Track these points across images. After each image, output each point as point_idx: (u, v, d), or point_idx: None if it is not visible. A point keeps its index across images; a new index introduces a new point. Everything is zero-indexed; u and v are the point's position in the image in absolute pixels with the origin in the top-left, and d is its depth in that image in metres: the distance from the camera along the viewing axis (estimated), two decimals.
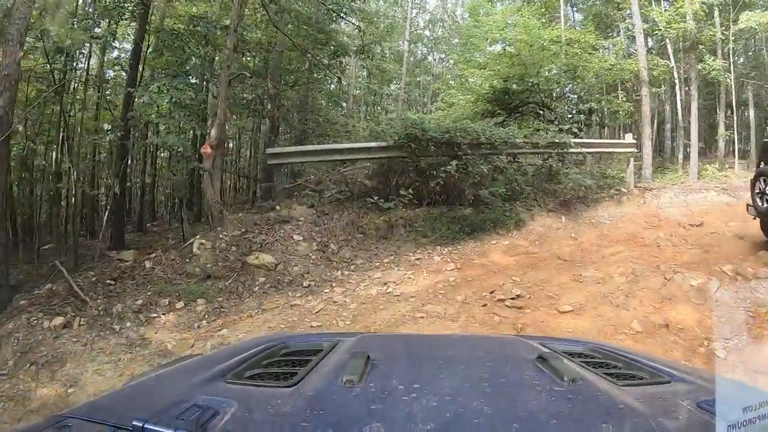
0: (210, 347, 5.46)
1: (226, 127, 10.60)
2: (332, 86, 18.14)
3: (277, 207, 9.36)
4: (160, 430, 0.91)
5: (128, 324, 6.11)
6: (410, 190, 9.09)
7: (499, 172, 10.18)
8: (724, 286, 6.17)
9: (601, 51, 14.55)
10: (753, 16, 14.01)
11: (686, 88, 16.10)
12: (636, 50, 14.75)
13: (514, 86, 13.73)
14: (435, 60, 28.22)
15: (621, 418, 1.06)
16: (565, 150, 10.68)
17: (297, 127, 15.74)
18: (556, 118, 12.44)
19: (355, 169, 11.00)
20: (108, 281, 7.16)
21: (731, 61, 15.62)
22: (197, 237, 8.12)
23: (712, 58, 15.15)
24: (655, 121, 16.89)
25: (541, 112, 13.38)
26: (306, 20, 12.41)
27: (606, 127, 16.80)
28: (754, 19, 13.85)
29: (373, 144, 9.91)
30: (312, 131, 15.52)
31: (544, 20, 15.32)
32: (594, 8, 18.06)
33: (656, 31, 15.26)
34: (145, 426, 0.91)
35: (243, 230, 8.25)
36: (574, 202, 10.60)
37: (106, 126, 13.49)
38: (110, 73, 14.63)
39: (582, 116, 13.47)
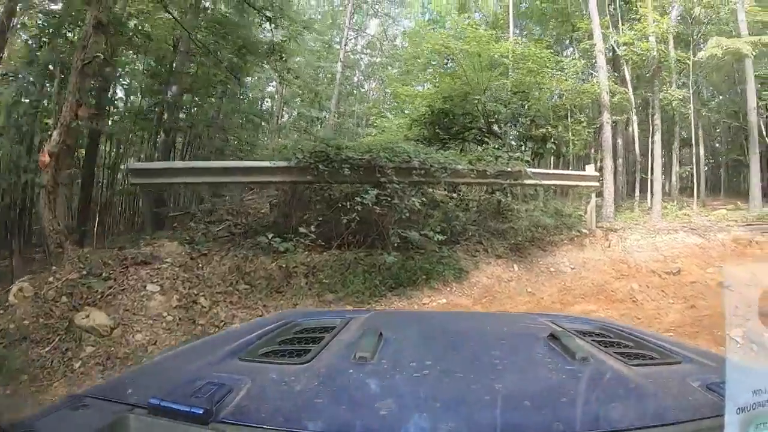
0: None
1: (84, 130, 8.06)
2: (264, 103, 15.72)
3: (142, 242, 7.16)
4: (176, 407, 0.93)
5: None
6: (312, 228, 6.91)
7: (434, 206, 8.09)
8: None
9: (557, 71, 12.74)
10: (722, 40, 12.92)
11: (650, 117, 14.75)
12: (596, 72, 13.09)
13: (456, 108, 11.74)
14: (372, 88, 26.46)
15: (631, 398, 1.09)
16: (518, 181, 8.66)
17: (205, 144, 13.55)
18: (503, 145, 10.46)
19: (263, 197, 9.11)
20: None
21: (692, 91, 14.39)
22: (24, 279, 5.94)
23: (673, 87, 14.04)
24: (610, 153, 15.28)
25: (486, 138, 11.40)
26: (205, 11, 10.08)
27: (562, 158, 15.01)
28: (725, 44, 12.76)
29: (266, 164, 7.70)
30: (221, 149, 13.29)
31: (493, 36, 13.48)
32: (549, 29, 16.38)
33: (622, 54, 13.82)
34: (161, 403, 0.94)
35: (84, 272, 5.98)
36: (527, 246, 8.69)
37: None
38: None
39: (534, 144, 11.59)
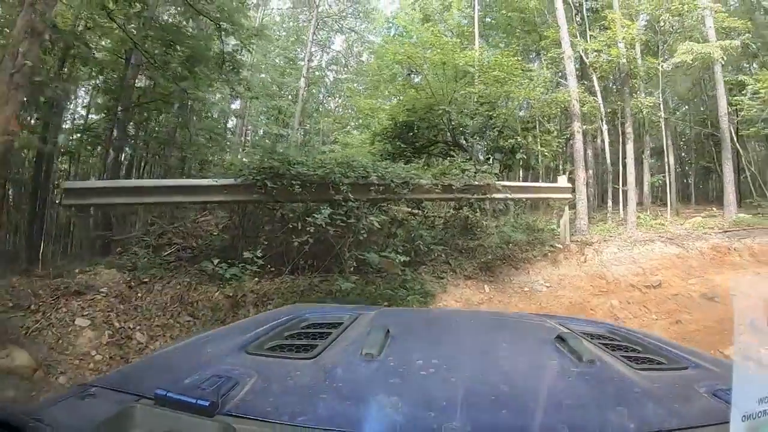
0: None
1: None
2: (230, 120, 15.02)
3: (78, 270, 6.33)
4: (182, 398, 0.93)
5: None
6: (259, 252, 6.24)
7: (396, 225, 7.45)
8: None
9: (526, 79, 12.21)
10: (694, 45, 12.76)
11: (620, 126, 14.54)
12: (564, 81, 12.69)
13: (421, 121, 11.19)
14: (338, 104, 25.92)
15: (637, 402, 1.07)
16: (487, 195, 8.09)
17: (161, 162, 12.87)
18: (470, 158, 9.92)
19: (219, 218, 8.29)
20: None
21: (662, 99, 14.15)
22: None
23: (643, 95, 13.75)
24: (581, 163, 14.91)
25: (453, 152, 10.86)
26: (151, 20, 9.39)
27: (532, 170, 14.54)
28: (696, 49, 12.59)
29: (208, 182, 7.02)
30: (179, 167, 12.53)
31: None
32: (515, 39, 16.02)
33: (591, 62, 13.49)
34: (168, 395, 0.93)
35: (11, 305, 5.22)
36: (499, 265, 8.13)
37: None
38: None
39: (502, 155, 11.07)
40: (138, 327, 5.54)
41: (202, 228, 8.33)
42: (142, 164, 13.48)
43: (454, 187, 7.70)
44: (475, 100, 11.33)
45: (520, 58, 11.92)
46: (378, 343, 1.28)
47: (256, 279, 6.39)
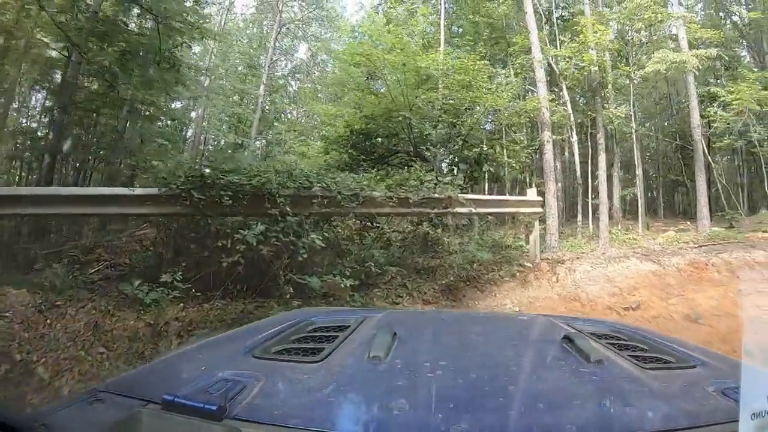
0: None
1: None
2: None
3: None
4: (190, 403, 0.93)
5: None
6: (180, 274, 5.38)
7: (345, 243, 6.56)
8: None
9: (493, 85, 11.47)
10: (668, 54, 12.44)
11: (589, 137, 14.13)
12: (534, 88, 12.01)
13: (380, 129, 10.36)
14: (301, 113, 24.95)
15: (645, 401, 1.07)
16: (449, 209, 7.24)
17: (104, 169, 11.93)
18: (432, 169, 9.11)
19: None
20: None
21: (633, 110, 13.70)
22: None
23: (614, 105, 13.25)
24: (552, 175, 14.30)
25: (414, 163, 10.03)
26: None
27: (499, 182, 13.80)
28: (670, 58, 12.25)
29: (122, 191, 6.15)
30: (125, 176, 11.67)
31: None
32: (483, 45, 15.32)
33: (562, 70, 12.90)
34: (175, 399, 0.94)
35: None
36: (462, 287, 7.31)
37: None
38: None
39: (467, 166, 10.27)
40: (42, 360, 4.61)
41: (141, 243, 7.41)
42: (86, 171, 12.34)
43: (411, 201, 6.84)
44: (439, 107, 10.53)
45: (487, 62, 11.07)
46: (385, 346, 1.27)
47: (181, 305, 5.50)
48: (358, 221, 7.06)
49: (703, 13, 17.47)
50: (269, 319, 2.30)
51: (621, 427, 0.98)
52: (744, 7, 16.11)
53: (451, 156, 10.28)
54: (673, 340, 1.70)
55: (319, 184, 6.22)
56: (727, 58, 15.85)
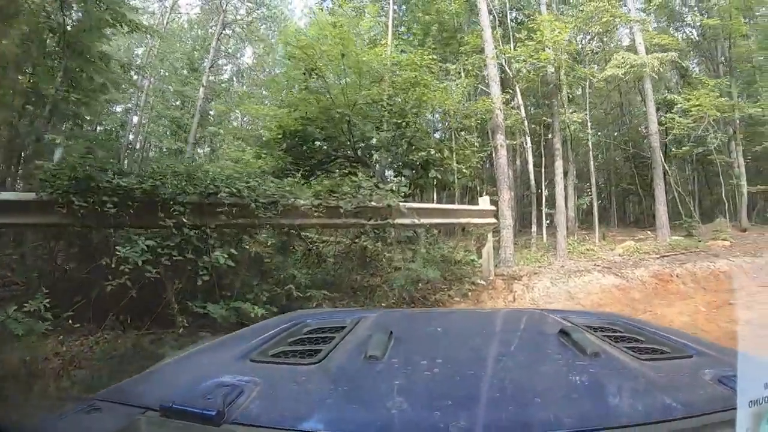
0: None
1: None
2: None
3: None
4: (188, 409, 0.93)
5: None
6: (45, 301, 4.25)
7: (261, 260, 5.47)
8: None
9: (442, 82, 10.52)
10: (629, 56, 12.18)
11: (543, 142, 13.61)
12: (487, 89, 11.15)
13: (318, 132, 9.29)
14: (247, 119, 23.60)
15: (642, 392, 1.08)
16: (387, 220, 6.19)
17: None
18: (373, 175, 8.09)
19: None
20: None
21: (589, 116, 13.23)
22: None
23: (570, 110, 12.64)
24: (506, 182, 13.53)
25: (354, 168, 8.99)
26: None
27: (448, 190, 12.87)
28: (631, 60, 11.93)
29: None
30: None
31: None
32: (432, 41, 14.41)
33: (515, 72, 12.21)
34: (173, 406, 0.94)
35: None
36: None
37: None
38: None
39: (413, 172, 9.28)
40: None
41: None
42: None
43: (342, 210, 5.75)
44: (384, 105, 9.50)
45: (435, 57, 10.11)
46: (382, 345, 1.26)
47: (63, 335, 4.48)
48: (283, 235, 5.95)
49: (655, 25, 17.28)
50: (265, 322, 2.19)
51: (619, 419, 0.95)
52: (699, 13, 15.91)
53: (394, 161, 9.22)
54: (669, 330, 1.70)
55: (227, 190, 5.07)
56: (684, 65, 15.85)
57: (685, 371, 1.21)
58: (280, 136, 9.67)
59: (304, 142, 9.39)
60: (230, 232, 5.35)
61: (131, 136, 20.66)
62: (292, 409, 1.02)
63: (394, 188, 6.89)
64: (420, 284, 6.42)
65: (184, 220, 4.67)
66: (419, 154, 9.02)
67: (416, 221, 6.45)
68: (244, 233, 5.42)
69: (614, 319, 1.84)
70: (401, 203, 6.24)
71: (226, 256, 4.79)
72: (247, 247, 5.34)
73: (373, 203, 6.02)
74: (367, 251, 6.70)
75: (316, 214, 5.57)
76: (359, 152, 9.16)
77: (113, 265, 4.38)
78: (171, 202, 4.71)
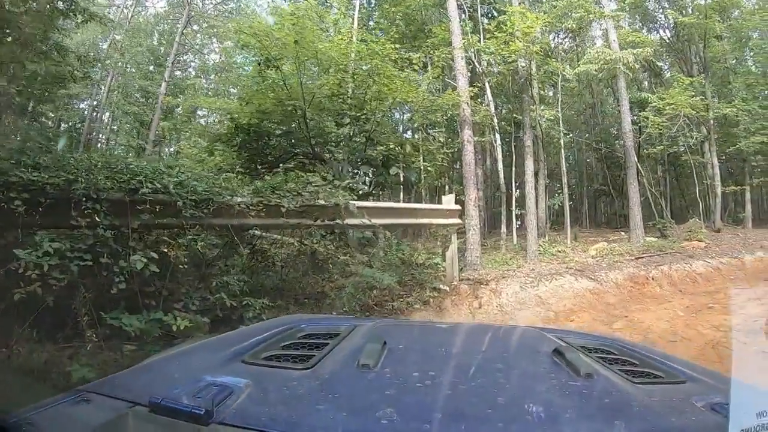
0: None
1: None
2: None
3: None
4: (176, 406, 0.93)
5: None
6: None
7: (197, 265, 4.82)
8: None
9: (406, 73, 9.86)
10: (605, 51, 11.93)
11: (513, 140, 13.27)
12: (454, 82, 10.59)
13: (274, 126, 8.64)
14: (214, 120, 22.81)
15: (634, 416, 1.06)
16: (337, 220, 5.55)
17: None
18: (333, 173, 7.47)
19: None
20: None
21: (561, 113, 12.89)
22: None
23: (542, 107, 12.39)
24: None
25: (313, 165, 8.33)
26: None
27: (413, 189, 12.29)
28: (607, 55, 11.66)
29: None
30: None
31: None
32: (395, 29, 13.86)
33: (485, 67, 11.79)
34: (162, 402, 0.94)
35: None
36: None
37: None
38: None
39: (373, 169, 8.65)
40: None
41: None
42: None
43: (285, 209, 5.09)
44: (345, 99, 8.86)
45: (398, 46, 9.45)
46: (375, 355, 1.25)
47: None
48: (224, 236, 5.28)
49: (627, 27, 17.12)
50: (259, 325, 2.18)
51: None
52: (674, 10, 15.70)
53: (353, 157, 8.56)
54: (663, 355, 1.68)
55: (150, 185, 4.39)
56: (659, 64, 15.83)
57: (678, 397, 1.20)
58: (232, 131, 8.95)
59: (260, 138, 8.70)
60: (156, 234, 4.69)
61: (102, 135, 20.36)
62: (281, 413, 1.01)
63: (352, 186, 6.29)
64: (375, 291, 5.80)
65: (98, 219, 3.99)
66: (378, 148, 8.37)
67: (367, 221, 5.79)
68: (179, 235, 4.75)
69: (609, 341, 1.82)
70: (351, 202, 5.59)
71: (145, 260, 4.11)
72: (166, 250, 4.63)
73: (321, 202, 5.38)
74: (318, 254, 6.06)
75: (253, 213, 4.90)
76: (315, 148, 8.47)
77: (21, 271, 3.72)
78: (84, 199, 4.03)
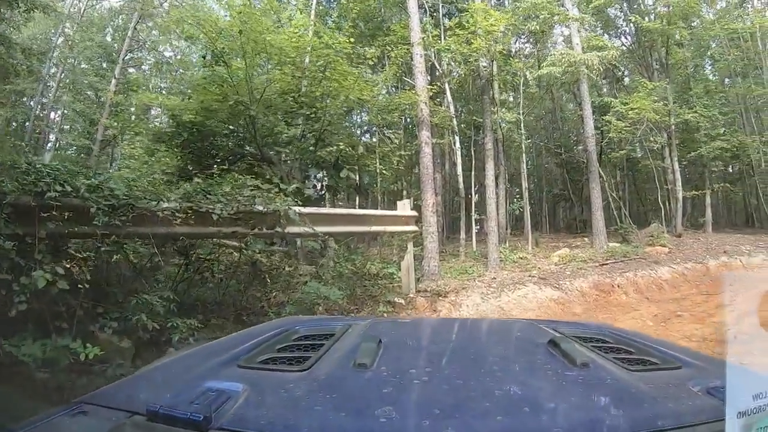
0: None
1: None
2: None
3: None
4: (174, 414, 0.91)
5: None
6: None
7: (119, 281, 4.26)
8: None
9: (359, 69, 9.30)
10: (569, 53, 11.65)
11: (472, 143, 13.06)
12: (412, 80, 10.13)
13: (219, 126, 8.00)
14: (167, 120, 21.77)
15: (631, 403, 1.06)
16: (276, 229, 4.98)
17: None
18: (278, 176, 6.89)
19: None
20: None
21: (522, 115, 12.64)
22: None
23: (503, 109, 12.11)
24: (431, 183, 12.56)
25: (260, 168, 7.72)
26: None
27: (368, 193, 11.75)
28: (571, 57, 11.39)
29: None
30: None
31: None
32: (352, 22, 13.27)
33: (445, 66, 11.38)
34: (160, 410, 0.92)
35: None
36: None
37: None
38: None
39: (323, 172, 8.11)
40: None
41: None
42: None
43: (217, 216, 4.49)
44: (298, 96, 8.25)
45: (353, 40, 8.86)
46: (370, 353, 1.24)
47: None
48: (155, 247, 4.63)
49: (592, 33, 17.14)
50: (254, 328, 2.01)
51: (608, 430, 0.95)
52: (638, 15, 15.68)
53: (302, 159, 7.93)
54: (658, 341, 1.67)
55: (59, 188, 3.74)
56: (621, 70, 15.90)
57: (674, 382, 1.17)
58: (174, 129, 8.25)
59: (205, 138, 8.02)
60: (76, 245, 4.05)
61: (52, 135, 19.50)
62: (279, 416, 0.99)
63: (302, 190, 5.71)
64: (320, 307, 5.23)
65: None
66: (328, 149, 7.76)
67: (310, 230, 5.21)
68: (125, 245, 4.12)
69: (604, 330, 1.82)
70: (293, 209, 5.00)
71: (49, 276, 3.47)
72: (67, 265, 3.96)
73: (259, 208, 4.80)
74: (260, 265, 5.47)
75: (179, 221, 4.28)
76: (265, 149, 7.84)
77: None
78: None
